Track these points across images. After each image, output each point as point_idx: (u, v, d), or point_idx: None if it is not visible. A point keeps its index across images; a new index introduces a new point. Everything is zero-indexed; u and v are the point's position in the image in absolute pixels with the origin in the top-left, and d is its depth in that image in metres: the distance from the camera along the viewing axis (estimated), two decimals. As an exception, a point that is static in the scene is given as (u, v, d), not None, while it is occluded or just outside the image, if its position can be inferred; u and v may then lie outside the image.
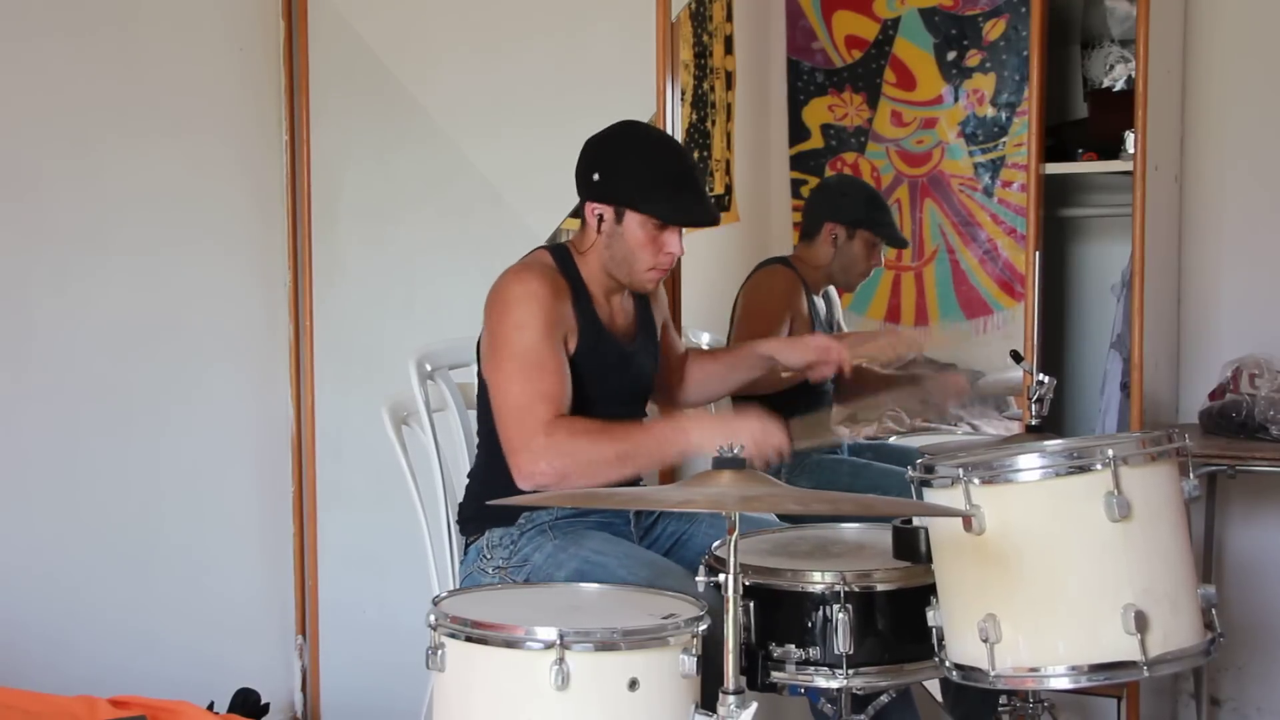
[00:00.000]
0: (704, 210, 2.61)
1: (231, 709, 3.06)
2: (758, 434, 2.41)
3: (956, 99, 3.83)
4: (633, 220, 2.55)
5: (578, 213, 2.68)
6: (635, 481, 2.71)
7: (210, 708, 2.82)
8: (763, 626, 2.23)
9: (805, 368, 2.83)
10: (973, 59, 3.79)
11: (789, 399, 3.04)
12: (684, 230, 2.61)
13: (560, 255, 2.64)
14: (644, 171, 2.56)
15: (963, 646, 2.12)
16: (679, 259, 2.63)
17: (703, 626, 2.00)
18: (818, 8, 3.97)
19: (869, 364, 3.31)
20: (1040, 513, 2.08)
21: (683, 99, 3.58)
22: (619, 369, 2.64)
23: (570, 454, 2.41)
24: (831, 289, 3.64)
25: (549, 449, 2.41)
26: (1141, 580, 2.04)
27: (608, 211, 2.57)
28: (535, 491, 2.42)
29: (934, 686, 2.60)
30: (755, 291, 3.49)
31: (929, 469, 2.15)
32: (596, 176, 2.57)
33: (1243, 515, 3.42)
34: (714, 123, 3.91)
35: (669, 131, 3.17)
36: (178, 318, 3.39)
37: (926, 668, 2.22)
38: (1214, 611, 2.14)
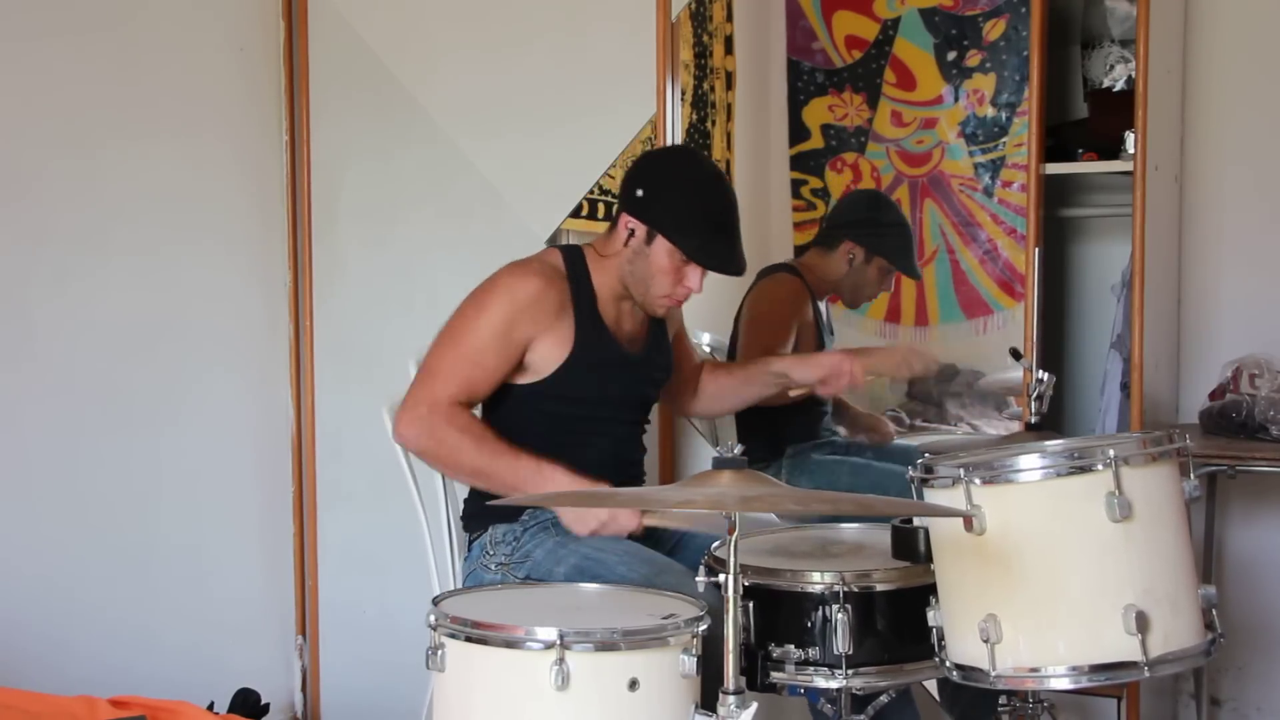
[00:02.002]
0: (733, 259, 2.60)
1: (231, 709, 3.06)
2: (603, 516, 2.46)
3: (956, 99, 3.83)
4: (661, 246, 2.55)
5: (577, 212, 2.68)
6: (637, 481, 2.71)
7: (210, 708, 2.82)
8: (762, 627, 2.23)
9: (817, 383, 2.84)
10: (973, 59, 3.79)
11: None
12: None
13: (572, 256, 2.64)
14: (687, 204, 2.56)
15: (963, 646, 2.12)
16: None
17: (703, 626, 2.00)
18: (818, 8, 3.97)
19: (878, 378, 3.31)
20: (1041, 513, 2.08)
21: (683, 99, 3.58)
22: (620, 375, 2.64)
23: (438, 441, 2.50)
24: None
25: (424, 422, 2.50)
26: (1142, 581, 2.04)
27: (640, 229, 2.57)
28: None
29: (934, 686, 2.60)
30: (760, 300, 3.48)
31: (929, 469, 2.15)
32: (641, 193, 2.57)
33: (1243, 515, 3.42)
34: (714, 123, 3.91)
35: (669, 132, 3.17)
36: (178, 318, 3.39)
37: (926, 668, 2.22)
38: (1214, 612, 2.14)
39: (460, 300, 2.60)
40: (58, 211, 3.13)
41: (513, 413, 2.59)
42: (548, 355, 2.56)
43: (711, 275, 2.60)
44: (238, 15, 3.54)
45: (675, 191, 2.57)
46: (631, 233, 2.57)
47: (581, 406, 2.57)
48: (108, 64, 3.22)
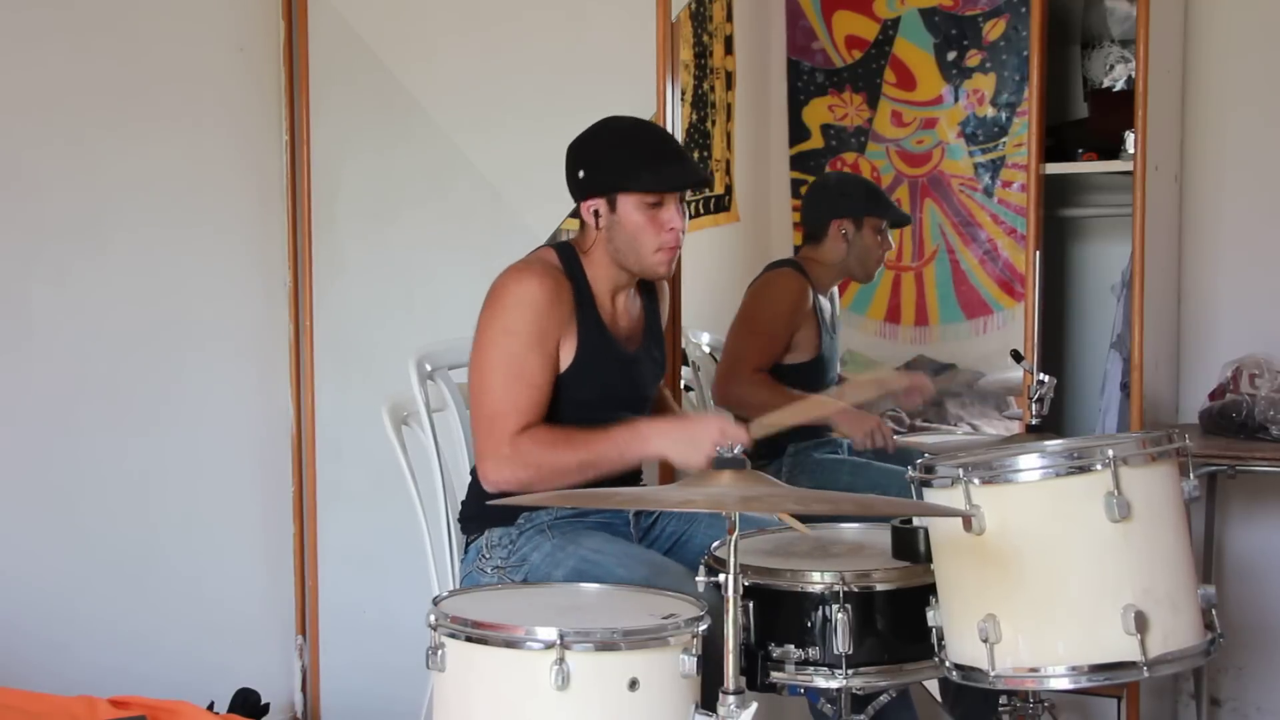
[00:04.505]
0: (689, 172, 2.62)
1: (231, 709, 3.06)
2: (716, 435, 2.38)
3: (956, 99, 3.83)
4: (626, 204, 2.55)
5: (576, 212, 2.68)
6: (636, 480, 2.71)
7: (210, 708, 2.82)
8: (762, 626, 2.23)
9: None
10: (973, 59, 3.80)
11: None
12: (685, 216, 2.60)
13: (566, 254, 2.63)
14: (623, 154, 2.57)
15: (962, 647, 2.12)
16: (684, 234, 2.60)
17: (703, 626, 2.00)
18: (818, 8, 3.97)
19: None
20: (1040, 513, 2.08)
21: (683, 99, 3.58)
22: (620, 373, 2.63)
23: (534, 464, 2.45)
24: (834, 289, 3.63)
25: (513, 459, 2.45)
26: (1141, 581, 2.04)
27: (601, 204, 2.57)
28: (508, 494, 2.42)
29: (934, 686, 2.60)
30: (760, 295, 3.48)
31: (929, 469, 2.15)
32: (582, 174, 2.59)
33: (1243, 515, 3.42)
34: (714, 123, 3.91)
35: (669, 131, 3.16)
36: (179, 317, 3.39)
37: (926, 668, 2.22)
38: (1214, 612, 2.14)
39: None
40: (58, 211, 3.13)
41: None
42: (562, 356, 2.56)
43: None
44: (238, 15, 3.54)
45: (606, 150, 2.59)
46: (596, 214, 2.58)
47: (581, 409, 2.56)
48: (108, 64, 3.23)
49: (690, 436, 2.42)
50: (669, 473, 3.27)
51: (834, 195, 3.70)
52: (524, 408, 2.48)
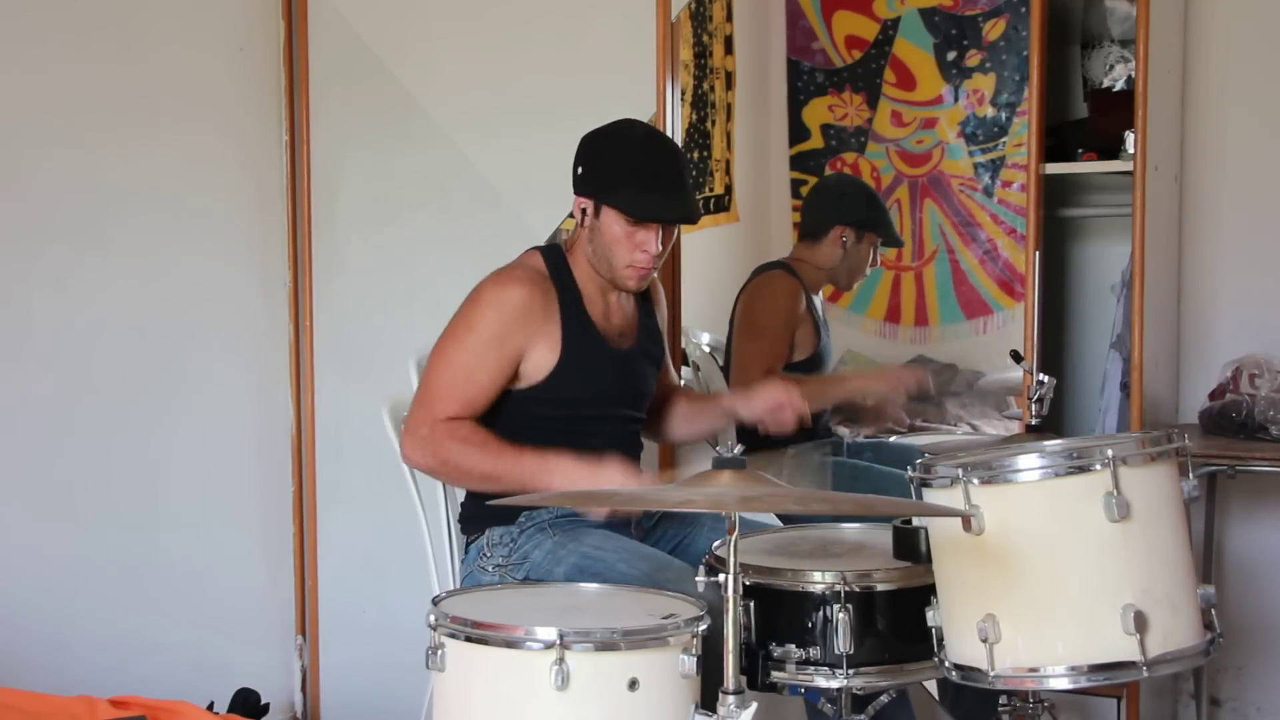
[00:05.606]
0: (672, 208, 2.55)
1: (231, 709, 3.06)
2: (617, 485, 2.40)
3: (956, 99, 3.83)
4: (608, 214, 2.55)
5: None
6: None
7: (210, 708, 2.82)
8: (763, 626, 2.23)
9: (761, 419, 2.72)
10: (973, 59, 3.79)
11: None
12: (677, 231, 2.60)
13: (552, 256, 2.64)
14: (620, 166, 2.56)
15: (962, 647, 2.12)
16: (660, 259, 2.59)
17: (703, 626, 2.00)
18: (818, 8, 3.97)
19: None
20: (1039, 513, 2.08)
21: (683, 99, 3.58)
22: (612, 371, 2.63)
23: (443, 457, 2.50)
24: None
25: (428, 442, 2.50)
26: (1141, 580, 2.04)
27: (589, 205, 2.58)
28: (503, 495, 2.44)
29: (934, 686, 2.60)
30: (754, 299, 3.49)
31: (928, 469, 2.15)
32: (580, 170, 2.59)
33: (1243, 515, 3.42)
34: (714, 123, 3.91)
35: (669, 132, 3.16)
36: (178, 317, 3.39)
37: (926, 668, 2.22)
38: (1213, 611, 2.14)
39: (458, 303, 2.60)
40: (58, 211, 3.13)
41: (509, 418, 2.58)
42: (540, 361, 2.56)
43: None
44: (238, 15, 3.54)
45: (607, 158, 2.58)
46: (584, 212, 2.58)
47: (576, 407, 2.57)
48: (108, 64, 3.23)
49: (590, 484, 2.42)
50: (667, 473, 3.28)
51: (841, 201, 3.70)
52: (462, 400, 2.51)
